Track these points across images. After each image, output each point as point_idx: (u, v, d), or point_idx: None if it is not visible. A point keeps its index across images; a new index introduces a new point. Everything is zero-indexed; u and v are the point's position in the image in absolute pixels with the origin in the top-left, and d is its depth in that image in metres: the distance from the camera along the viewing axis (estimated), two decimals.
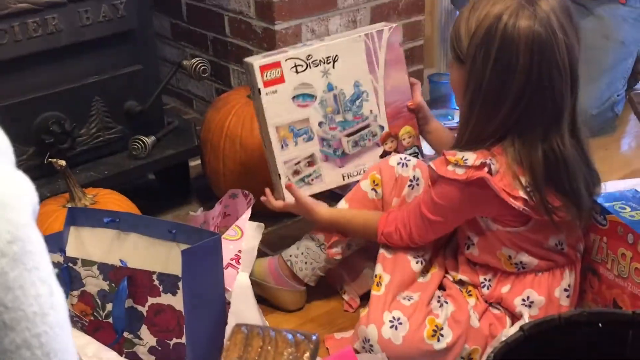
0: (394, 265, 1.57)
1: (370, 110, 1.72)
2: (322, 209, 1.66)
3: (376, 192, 1.64)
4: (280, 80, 1.66)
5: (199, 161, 2.18)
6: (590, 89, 2.33)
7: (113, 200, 1.75)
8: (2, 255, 0.58)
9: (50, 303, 0.62)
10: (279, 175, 1.69)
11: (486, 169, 1.36)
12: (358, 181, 1.69)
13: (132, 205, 1.78)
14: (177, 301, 1.39)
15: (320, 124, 1.69)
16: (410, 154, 1.71)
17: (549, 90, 1.35)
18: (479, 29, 1.36)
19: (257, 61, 1.65)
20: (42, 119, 1.84)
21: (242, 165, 1.99)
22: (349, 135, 1.72)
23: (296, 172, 1.69)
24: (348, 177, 1.74)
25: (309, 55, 1.67)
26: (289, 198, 1.69)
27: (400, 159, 1.64)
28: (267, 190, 1.73)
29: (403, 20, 2.55)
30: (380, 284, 1.56)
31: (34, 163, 1.86)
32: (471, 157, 1.38)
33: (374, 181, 1.65)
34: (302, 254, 1.70)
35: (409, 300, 1.53)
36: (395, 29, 1.72)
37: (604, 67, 2.40)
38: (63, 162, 1.69)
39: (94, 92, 1.94)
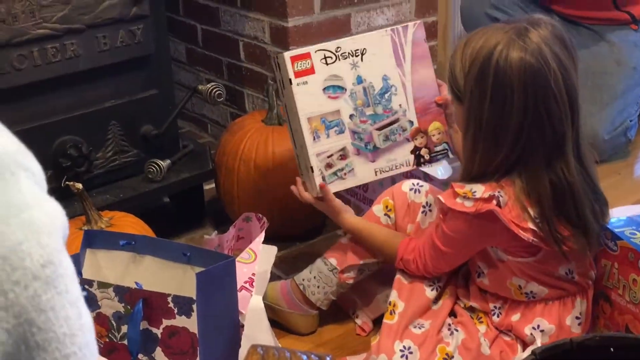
0: (409, 292, 1.57)
1: (400, 105, 1.72)
2: (348, 215, 1.67)
3: (389, 217, 1.65)
4: (311, 71, 1.67)
5: (213, 184, 2.20)
6: (602, 115, 2.34)
7: (129, 223, 1.77)
8: (36, 278, 0.59)
9: (79, 325, 0.64)
10: (311, 167, 1.67)
11: (494, 202, 1.37)
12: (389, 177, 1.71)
13: (148, 228, 1.80)
14: (191, 323, 1.40)
15: (351, 116, 1.70)
16: (440, 151, 1.71)
17: (547, 119, 1.35)
18: (472, 67, 1.37)
19: (287, 53, 1.68)
20: (60, 142, 1.87)
21: (257, 188, 2.01)
22: (379, 129, 1.71)
23: (329, 165, 1.68)
24: (380, 173, 1.71)
25: (337, 47, 1.69)
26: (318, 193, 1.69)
27: (413, 184, 1.65)
28: (298, 180, 1.73)
29: None
30: (394, 312, 1.56)
31: (51, 186, 1.86)
32: (479, 190, 1.38)
33: (386, 206, 1.66)
34: (314, 277, 1.71)
35: (420, 328, 1.54)
36: (419, 25, 1.74)
37: (616, 93, 2.41)
38: (80, 185, 1.71)
39: (110, 116, 1.97)
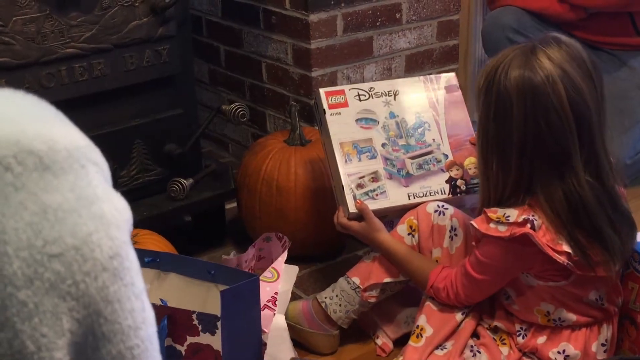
0: (439, 318, 1.57)
1: (433, 139, 1.75)
2: (385, 234, 1.66)
3: (413, 237, 1.66)
4: (344, 104, 1.73)
5: (235, 204, 2.21)
6: (624, 139, 2.34)
7: (152, 241, 1.78)
8: (104, 269, 0.61)
9: (142, 318, 0.65)
10: (342, 186, 1.69)
11: (529, 225, 1.37)
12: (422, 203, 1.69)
13: (171, 246, 1.82)
14: (215, 341, 1.41)
15: (383, 145, 1.73)
16: (476, 183, 1.72)
17: (548, 132, 1.36)
18: (483, 84, 1.41)
19: (322, 88, 1.74)
20: None
21: (278, 209, 2.02)
22: (412, 157, 1.73)
23: (360, 186, 1.69)
24: (414, 197, 1.71)
25: (371, 88, 1.75)
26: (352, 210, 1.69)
27: (438, 206, 1.65)
28: (339, 209, 1.72)
29: (437, 69, 2.59)
30: (421, 336, 1.56)
31: None
32: (513, 214, 1.39)
33: (410, 226, 1.66)
34: (336, 296, 1.71)
35: (442, 349, 1.54)
36: (453, 76, 1.81)
37: (638, 117, 2.41)
38: None
39: (135, 135, 1.99)
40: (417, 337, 1.56)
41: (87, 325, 0.61)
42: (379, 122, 1.73)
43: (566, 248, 1.38)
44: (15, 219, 0.58)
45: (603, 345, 1.50)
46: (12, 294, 0.57)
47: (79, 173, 0.62)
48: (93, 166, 0.64)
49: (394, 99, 1.75)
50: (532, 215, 1.38)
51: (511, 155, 1.38)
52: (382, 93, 1.74)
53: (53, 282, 0.58)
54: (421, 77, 1.78)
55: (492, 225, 1.40)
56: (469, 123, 1.78)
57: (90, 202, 0.62)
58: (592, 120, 1.38)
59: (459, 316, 1.57)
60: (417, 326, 1.58)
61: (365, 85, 1.75)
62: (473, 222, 1.45)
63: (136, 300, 0.64)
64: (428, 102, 1.76)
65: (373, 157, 1.71)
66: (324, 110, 1.72)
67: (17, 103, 0.66)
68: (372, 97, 1.74)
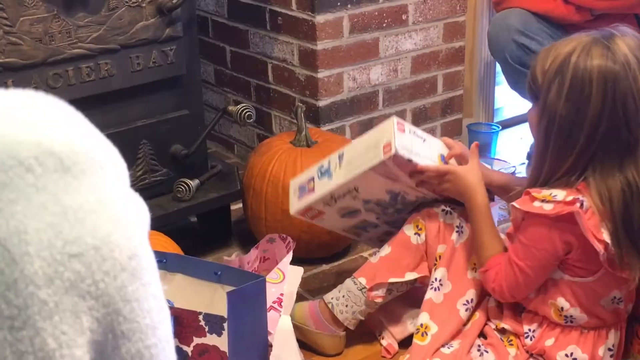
0: (443, 315, 1.57)
1: (416, 196, 1.71)
2: (482, 190, 1.57)
3: (419, 236, 1.66)
4: (321, 213, 1.77)
5: (240, 205, 2.21)
6: None
7: (159, 242, 1.78)
8: (123, 269, 0.62)
9: (160, 317, 0.66)
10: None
11: (578, 204, 1.36)
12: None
13: (177, 247, 1.82)
14: (222, 342, 1.41)
15: (377, 218, 1.77)
16: None
17: (624, 121, 1.36)
18: (552, 65, 1.40)
19: (293, 208, 1.76)
20: None
21: (284, 210, 2.02)
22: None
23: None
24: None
25: (331, 197, 1.71)
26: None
27: (445, 206, 1.65)
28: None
29: (443, 70, 2.59)
30: (426, 334, 1.56)
31: None
32: (560, 193, 1.38)
33: (417, 226, 1.66)
34: (343, 296, 1.71)
35: (449, 348, 1.54)
36: (392, 156, 1.58)
37: None
38: None
39: (141, 136, 1.99)
40: (422, 335, 1.56)
41: (106, 324, 0.62)
42: (360, 211, 1.75)
43: (606, 238, 1.37)
44: (37, 219, 0.59)
45: (610, 350, 1.50)
46: (34, 293, 0.58)
47: (98, 175, 0.63)
48: (112, 168, 0.65)
49: (357, 192, 1.69)
50: (583, 196, 1.37)
51: (578, 137, 1.37)
52: (344, 194, 1.69)
53: (73, 282, 0.59)
54: (368, 170, 1.62)
55: (536, 204, 1.40)
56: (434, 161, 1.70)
57: (109, 203, 0.62)
58: None
59: (463, 312, 1.57)
60: (421, 325, 1.58)
61: (327, 195, 1.69)
62: (514, 203, 1.43)
63: (154, 300, 0.65)
64: (391, 182, 1.65)
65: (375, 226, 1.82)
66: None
67: (38, 105, 0.66)
68: (337, 201, 1.71)
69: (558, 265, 1.46)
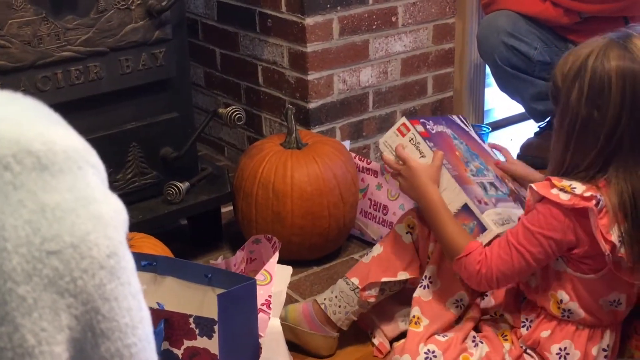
0: (432, 310, 1.59)
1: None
2: (436, 188, 1.58)
3: (411, 235, 1.66)
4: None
5: (231, 207, 2.21)
6: None
7: (149, 245, 1.78)
8: (101, 267, 0.62)
9: (139, 317, 0.66)
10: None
11: (594, 202, 1.37)
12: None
13: (167, 250, 1.81)
14: (212, 344, 1.41)
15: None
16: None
17: None
18: (571, 69, 1.41)
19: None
20: None
21: (275, 212, 2.02)
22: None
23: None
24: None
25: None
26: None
27: None
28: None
29: (433, 72, 2.59)
30: (419, 324, 1.58)
31: None
32: (580, 187, 1.39)
33: (409, 225, 1.67)
34: (335, 297, 1.72)
35: (444, 337, 1.56)
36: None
37: None
38: None
39: (131, 138, 1.99)
40: (416, 324, 1.58)
41: (85, 322, 0.62)
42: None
43: (614, 239, 1.38)
44: (15, 216, 0.59)
45: (604, 350, 1.51)
46: (12, 289, 0.58)
47: (76, 174, 0.63)
48: (90, 168, 0.65)
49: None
50: (600, 196, 1.38)
51: (599, 135, 1.38)
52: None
53: (51, 279, 0.60)
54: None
55: (554, 191, 1.40)
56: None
57: (88, 202, 0.63)
58: None
59: (453, 310, 1.58)
60: (414, 316, 1.60)
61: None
62: (533, 185, 1.43)
63: (133, 300, 0.65)
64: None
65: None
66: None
67: (16, 104, 0.67)
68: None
69: (562, 258, 1.46)
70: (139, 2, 1.88)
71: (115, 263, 0.63)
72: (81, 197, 0.62)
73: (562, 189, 1.39)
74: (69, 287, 0.60)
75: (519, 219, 1.49)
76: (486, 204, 1.59)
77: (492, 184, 1.66)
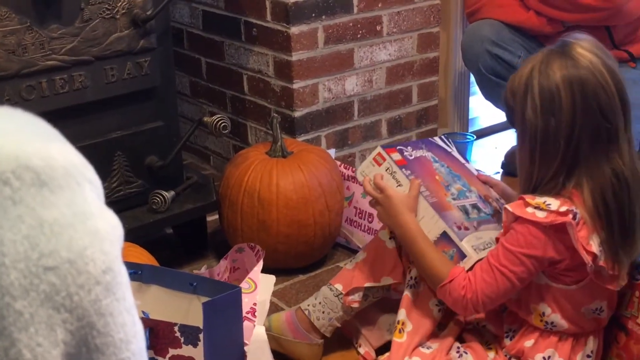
0: (417, 311, 1.59)
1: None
2: (413, 216, 1.58)
3: (394, 240, 1.67)
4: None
5: (217, 216, 2.21)
6: None
7: (134, 253, 1.78)
8: (97, 283, 0.63)
9: (133, 332, 0.67)
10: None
11: (571, 216, 1.38)
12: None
13: (153, 259, 1.81)
14: (197, 353, 1.41)
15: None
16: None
17: (598, 111, 1.40)
18: (519, 87, 1.44)
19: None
20: None
21: (260, 221, 2.02)
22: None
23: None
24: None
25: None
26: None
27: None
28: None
29: (417, 81, 2.61)
30: (403, 331, 1.58)
31: None
32: (554, 203, 1.40)
33: (392, 231, 1.68)
34: (319, 303, 1.72)
35: (428, 349, 1.56)
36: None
37: None
38: None
39: (116, 147, 1.99)
40: (400, 332, 1.58)
41: (80, 337, 0.63)
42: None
43: (594, 249, 1.40)
44: (13, 231, 0.60)
45: (588, 356, 1.52)
46: (9, 304, 0.59)
47: (75, 190, 0.64)
48: (88, 184, 0.66)
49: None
50: (575, 208, 1.40)
51: (559, 143, 1.41)
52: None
53: (48, 294, 0.60)
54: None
55: (529, 209, 1.41)
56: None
57: (85, 218, 0.63)
58: (628, 102, 1.44)
59: (436, 312, 1.59)
60: (399, 321, 1.60)
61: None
62: (507, 206, 1.45)
63: (127, 315, 0.66)
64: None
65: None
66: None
67: (15, 120, 0.68)
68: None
69: (544, 272, 1.47)
70: (124, 11, 1.88)
71: (111, 279, 0.64)
72: (79, 213, 0.63)
73: (537, 207, 1.40)
74: (65, 303, 0.61)
75: (497, 239, 1.50)
76: (467, 229, 1.59)
77: (474, 205, 1.66)
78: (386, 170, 1.65)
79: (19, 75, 1.77)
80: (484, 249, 1.56)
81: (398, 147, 1.70)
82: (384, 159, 1.65)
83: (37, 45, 1.78)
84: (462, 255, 1.55)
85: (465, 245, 1.55)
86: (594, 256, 1.40)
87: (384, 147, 1.69)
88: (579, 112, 1.39)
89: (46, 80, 1.82)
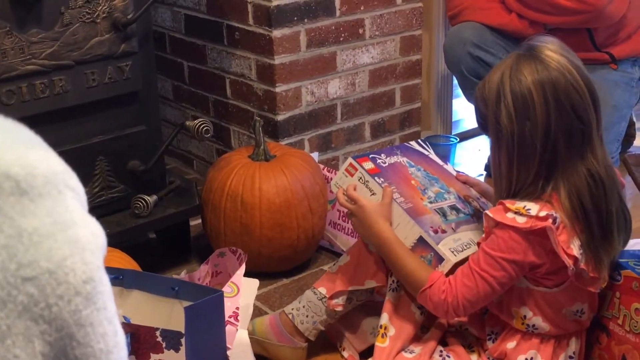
0: (399, 314, 1.59)
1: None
2: (388, 224, 1.58)
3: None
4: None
5: (199, 220, 2.20)
6: None
7: (115, 258, 1.77)
8: (77, 294, 0.62)
9: (114, 342, 0.66)
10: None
11: (550, 220, 1.38)
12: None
13: (134, 264, 1.80)
14: (179, 358, 1.40)
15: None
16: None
17: (572, 113, 1.40)
18: (490, 93, 1.44)
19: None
20: None
21: (243, 225, 2.02)
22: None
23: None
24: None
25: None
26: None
27: None
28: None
29: (400, 84, 2.61)
30: (385, 335, 1.58)
31: None
32: (534, 208, 1.40)
33: None
34: (303, 307, 1.71)
35: (411, 353, 1.56)
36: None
37: None
38: None
39: (98, 152, 1.98)
40: (382, 337, 1.58)
41: (59, 348, 0.62)
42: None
43: (575, 252, 1.40)
44: None
45: (571, 357, 1.52)
46: None
47: (56, 198, 0.63)
48: (70, 192, 0.65)
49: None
50: (555, 212, 1.40)
51: (536, 147, 1.41)
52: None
53: (26, 305, 0.59)
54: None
55: (509, 215, 1.41)
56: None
57: (66, 226, 0.62)
58: (598, 100, 1.45)
59: (418, 315, 1.59)
60: (381, 325, 1.60)
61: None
62: (488, 212, 1.45)
63: (108, 325, 0.65)
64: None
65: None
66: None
67: None
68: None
69: (525, 276, 1.48)
70: (104, 15, 1.87)
71: (91, 288, 0.63)
72: (59, 222, 0.62)
73: (517, 212, 1.41)
74: (44, 314, 0.60)
75: (478, 244, 1.50)
76: (444, 231, 1.60)
77: (452, 207, 1.67)
78: (359, 180, 1.65)
79: None
80: (462, 250, 1.56)
81: (371, 156, 1.71)
82: (356, 169, 1.66)
83: (17, 50, 1.77)
84: (440, 259, 1.55)
85: (442, 248, 1.56)
86: (575, 259, 1.40)
87: (355, 156, 1.69)
88: (554, 114, 1.40)
89: (26, 84, 1.81)
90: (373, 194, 1.63)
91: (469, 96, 2.61)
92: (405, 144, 1.84)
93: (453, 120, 3.01)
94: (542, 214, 1.39)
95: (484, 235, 1.49)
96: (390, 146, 2.53)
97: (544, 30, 2.45)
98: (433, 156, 1.81)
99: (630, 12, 2.51)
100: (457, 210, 1.66)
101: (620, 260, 1.53)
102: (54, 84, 1.85)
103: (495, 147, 1.49)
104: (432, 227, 1.59)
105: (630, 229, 1.52)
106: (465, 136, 3.00)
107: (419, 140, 1.85)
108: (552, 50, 1.43)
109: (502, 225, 1.42)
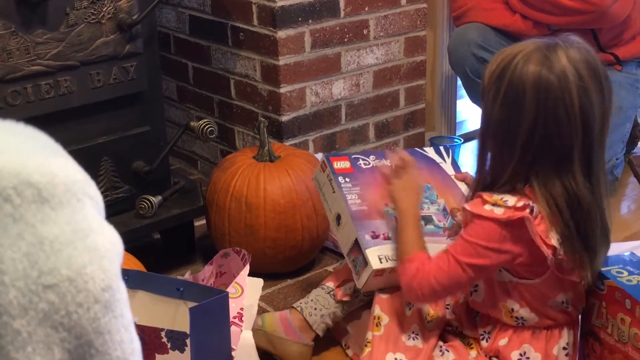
0: (390, 305, 1.61)
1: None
2: (412, 199, 1.59)
3: None
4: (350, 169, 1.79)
5: (204, 221, 2.21)
6: None
7: None
8: (97, 301, 0.62)
9: (131, 349, 0.66)
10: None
11: (528, 211, 1.38)
12: None
13: (139, 264, 1.80)
14: (184, 358, 1.40)
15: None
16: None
17: (555, 130, 1.37)
18: (496, 68, 1.41)
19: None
20: None
21: (248, 225, 2.02)
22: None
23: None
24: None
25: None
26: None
27: None
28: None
29: (405, 85, 2.61)
30: (380, 324, 1.59)
31: None
32: (511, 199, 1.40)
33: None
34: (311, 300, 1.74)
35: (413, 340, 1.57)
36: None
37: None
38: None
39: (102, 152, 1.98)
40: (377, 325, 1.60)
41: (78, 356, 0.62)
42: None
43: (554, 243, 1.40)
44: (13, 249, 0.59)
45: (565, 349, 1.52)
46: (7, 323, 0.58)
47: (75, 206, 0.63)
48: (89, 200, 0.65)
49: None
50: (532, 203, 1.39)
51: (515, 143, 1.39)
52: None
53: (47, 312, 0.60)
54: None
55: (487, 207, 1.41)
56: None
57: (85, 235, 0.63)
58: (595, 128, 1.40)
59: (407, 311, 1.60)
60: (375, 316, 1.61)
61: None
62: (466, 205, 1.45)
63: (125, 332, 0.66)
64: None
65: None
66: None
67: (17, 135, 0.67)
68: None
69: (505, 268, 1.48)
70: (109, 16, 1.88)
71: (110, 296, 0.63)
72: (79, 230, 0.63)
73: (494, 204, 1.41)
74: (64, 321, 0.60)
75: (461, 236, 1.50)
76: (387, 238, 1.63)
77: (425, 217, 1.67)
78: (327, 176, 1.76)
79: (3, 81, 1.76)
80: (395, 260, 1.58)
81: (354, 156, 1.79)
82: (326, 166, 1.77)
83: (22, 51, 1.77)
84: (365, 263, 1.57)
85: (369, 253, 1.59)
86: (554, 249, 1.40)
87: (329, 155, 1.80)
88: (542, 119, 1.37)
89: (31, 85, 1.81)
90: (334, 192, 1.73)
91: (473, 97, 2.62)
92: (419, 149, 1.86)
93: (457, 121, 3.01)
94: (520, 204, 1.39)
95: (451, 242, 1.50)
96: (407, 149, 2.52)
97: (548, 31, 2.45)
98: (445, 165, 1.81)
99: (634, 13, 2.51)
100: (430, 221, 1.68)
101: (603, 270, 1.51)
102: (59, 84, 1.85)
103: (481, 131, 1.48)
104: (373, 232, 1.64)
105: (608, 245, 1.50)
106: (470, 137, 2.99)
107: (440, 147, 1.87)
108: (568, 56, 1.38)
109: (480, 217, 1.42)
